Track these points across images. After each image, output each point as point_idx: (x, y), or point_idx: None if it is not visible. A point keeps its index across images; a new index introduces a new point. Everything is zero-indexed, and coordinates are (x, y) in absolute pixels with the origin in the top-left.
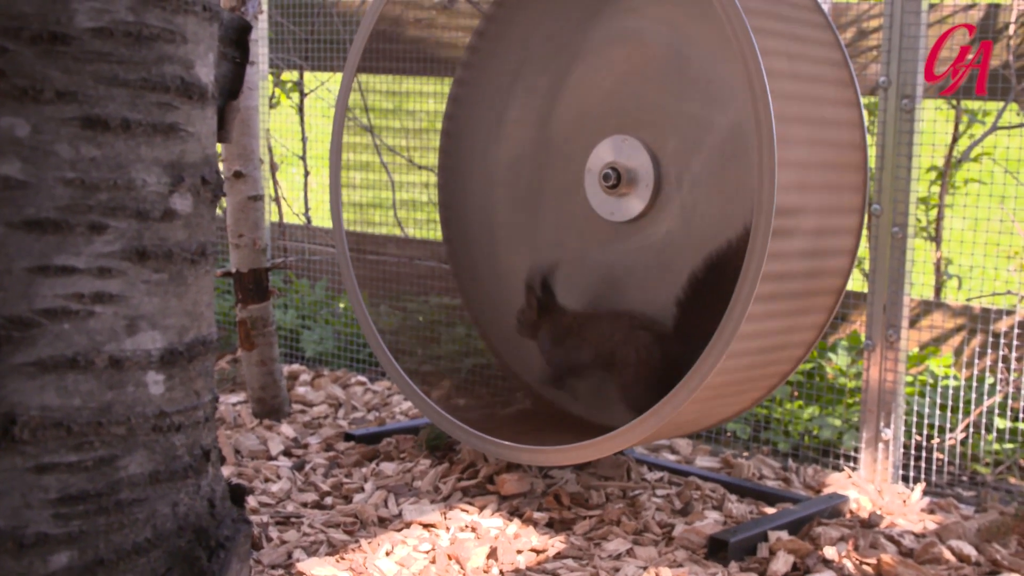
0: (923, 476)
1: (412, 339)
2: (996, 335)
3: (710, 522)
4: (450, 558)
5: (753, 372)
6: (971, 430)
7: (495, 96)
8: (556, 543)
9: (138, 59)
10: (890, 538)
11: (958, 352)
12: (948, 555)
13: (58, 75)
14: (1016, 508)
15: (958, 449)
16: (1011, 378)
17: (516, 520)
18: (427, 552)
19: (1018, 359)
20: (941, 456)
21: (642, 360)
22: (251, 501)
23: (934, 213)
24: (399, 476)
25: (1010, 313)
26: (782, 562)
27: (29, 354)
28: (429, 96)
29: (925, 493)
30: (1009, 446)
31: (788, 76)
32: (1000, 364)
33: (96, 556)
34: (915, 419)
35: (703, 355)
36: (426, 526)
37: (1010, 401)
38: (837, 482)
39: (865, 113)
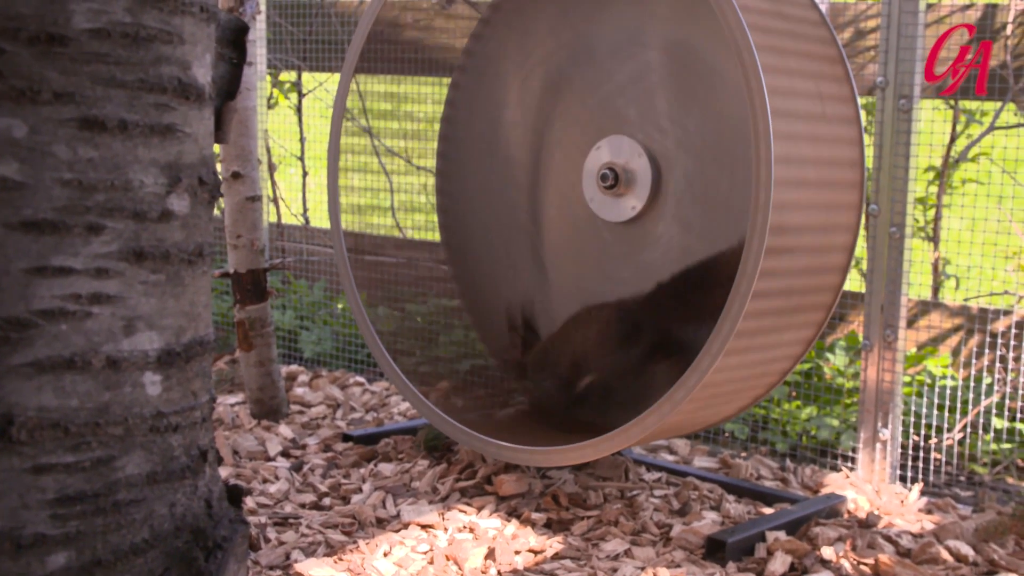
0: (921, 476)
1: (410, 340)
2: (994, 335)
3: (708, 522)
4: (448, 559)
5: (752, 369)
6: (969, 430)
7: (492, 98)
8: (554, 543)
9: (135, 60)
10: (888, 538)
11: (956, 352)
12: (946, 555)
13: (55, 76)
14: (1014, 508)
15: (956, 449)
16: (1009, 378)
17: (514, 520)
18: (425, 553)
19: (1016, 359)
20: (939, 456)
21: (631, 361)
22: (249, 502)
23: (932, 213)
24: (397, 477)
25: (1008, 313)
26: (780, 562)
27: (26, 355)
28: (427, 97)
29: (923, 493)
30: (1007, 446)
31: (784, 72)
32: (998, 364)
33: (94, 557)
34: (913, 419)
35: (702, 352)
36: (424, 527)
37: (1008, 401)
38: (835, 482)
39: (863, 113)
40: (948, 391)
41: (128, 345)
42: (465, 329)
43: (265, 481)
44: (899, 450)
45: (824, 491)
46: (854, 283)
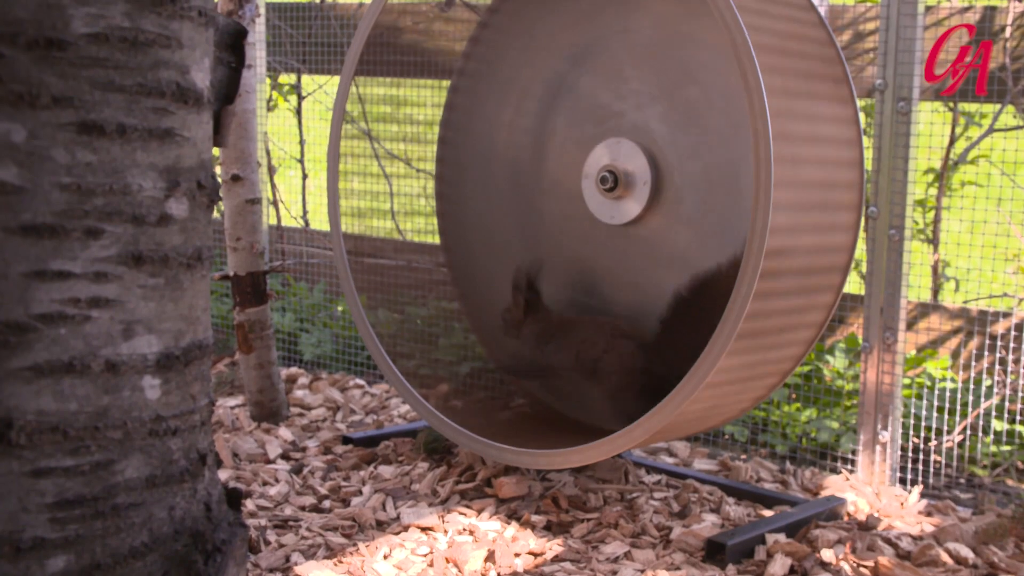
0: (920, 478)
1: (410, 342)
2: (993, 337)
3: (708, 525)
4: (448, 561)
5: (754, 370)
6: (968, 432)
7: (491, 101)
8: (554, 546)
9: (134, 64)
10: (887, 540)
11: (955, 354)
12: (945, 557)
13: (54, 80)
14: (1013, 510)
15: (955, 451)
16: (1008, 380)
17: (514, 523)
18: (425, 555)
19: (1015, 361)
20: (939, 458)
21: (625, 366)
22: (249, 504)
23: (931, 215)
24: (397, 479)
25: (1007, 315)
26: (779, 565)
27: (26, 359)
28: (427, 100)
29: (923, 495)
30: (1006, 448)
31: (783, 73)
32: (997, 366)
33: (93, 560)
34: (912, 421)
35: (704, 353)
36: (424, 529)
37: (1007, 403)
38: (835, 484)
39: (862, 116)
40: (948, 393)
41: (127, 349)
42: (465, 332)
43: (265, 483)
44: (899, 452)
45: (824, 493)
46: (854, 285)
